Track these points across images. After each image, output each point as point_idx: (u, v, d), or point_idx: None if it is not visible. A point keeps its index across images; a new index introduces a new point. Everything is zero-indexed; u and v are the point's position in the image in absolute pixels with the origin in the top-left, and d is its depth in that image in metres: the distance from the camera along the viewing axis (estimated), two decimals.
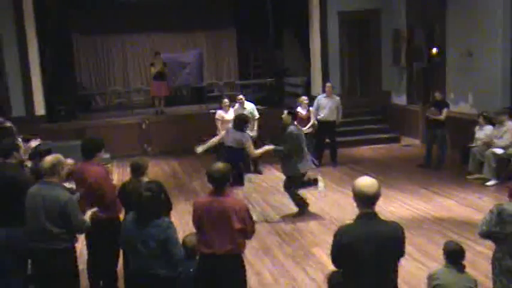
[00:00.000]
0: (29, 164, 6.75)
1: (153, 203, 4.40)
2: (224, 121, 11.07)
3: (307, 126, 11.23)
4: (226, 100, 11.43)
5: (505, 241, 4.42)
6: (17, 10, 13.24)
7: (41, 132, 11.00)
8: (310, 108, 11.54)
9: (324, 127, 11.62)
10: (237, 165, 7.87)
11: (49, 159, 4.88)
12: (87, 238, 5.61)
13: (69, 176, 5.57)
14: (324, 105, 11.60)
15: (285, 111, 8.34)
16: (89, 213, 5.12)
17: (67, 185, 5.49)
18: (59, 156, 4.97)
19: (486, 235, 4.54)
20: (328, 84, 12.06)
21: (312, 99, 12.18)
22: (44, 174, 4.89)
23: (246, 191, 8.81)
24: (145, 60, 18.19)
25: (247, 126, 8.32)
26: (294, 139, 8.09)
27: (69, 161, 6.35)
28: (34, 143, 7.32)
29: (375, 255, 3.62)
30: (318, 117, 11.55)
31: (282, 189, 8.66)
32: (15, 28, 13.31)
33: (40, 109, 13.77)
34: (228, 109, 11.29)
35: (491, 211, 4.49)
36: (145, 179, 5.49)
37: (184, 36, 19.31)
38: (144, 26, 18.25)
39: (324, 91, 12.17)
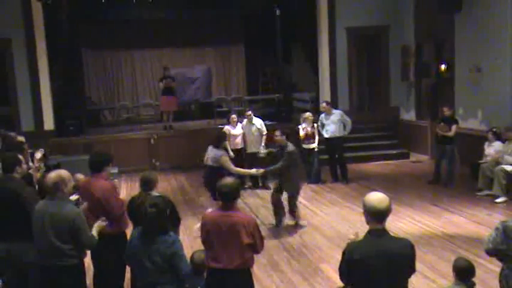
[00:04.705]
0: (38, 175, 6.74)
1: (158, 219, 4.39)
2: (231, 136, 11.09)
3: (315, 143, 11.28)
4: (234, 116, 11.44)
5: None
6: (27, 25, 13.41)
7: (50, 147, 11.07)
8: (315, 125, 11.53)
9: (332, 144, 11.59)
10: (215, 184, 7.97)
11: (52, 176, 4.80)
12: (94, 253, 5.56)
13: (76, 189, 5.56)
14: (327, 123, 11.58)
15: (277, 133, 8.38)
16: (96, 227, 5.08)
17: (72, 197, 5.48)
18: (63, 173, 4.88)
19: (492, 253, 4.49)
20: (322, 105, 11.98)
21: (318, 114, 12.15)
22: (48, 192, 4.85)
23: (254, 207, 8.79)
24: (154, 76, 18.30)
25: (224, 143, 8.35)
26: (292, 157, 8.17)
27: (80, 176, 6.34)
28: (39, 154, 7.30)
29: (386, 272, 3.58)
30: (326, 135, 11.53)
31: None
32: (25, 43, 13.48)
33: (49, 124, 13.85)
34: (236, 125, 11.30)
35: (496, 228, 4.43)
36: (154, 193, 5.48)
37: (193, 51, 19.44)
38: (153, 42, 18.42)
39: (333, 107, 12.11)
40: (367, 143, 14.23)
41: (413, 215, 8.98)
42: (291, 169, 8.21)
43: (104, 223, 5.18)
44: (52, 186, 4.75)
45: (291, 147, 8.26)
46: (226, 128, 11.24)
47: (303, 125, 11.45)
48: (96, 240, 4.95)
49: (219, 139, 8.41)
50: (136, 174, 9.98)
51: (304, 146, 11.41)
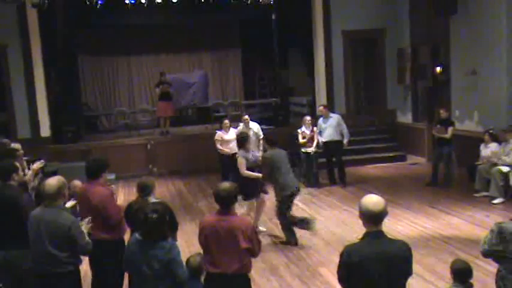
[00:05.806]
0: (32, 183, 6.71)
1: (159, 225, 4.38)
2: (223, 141, 11.07)
3: (313, 146, 11.31)
4: (227, 121, 11.40)
5: (509, 259, 4.37)
6: (23, 31, 13.39)
7: (47, 154, 11.02)
8: (315, 128, 11.54)
9: (329, 147, 11.62)
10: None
11: (53, 183, 4.79)
12: (92, 259, 5.56)
13: (71, 196, 5.55)
14: (324, 127, 11.61)
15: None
16: (84, 229, 5.05)
17: (69, 203, 5.47)
18: (62, 179, 4.90)
19: (488, 254, 4.51)
20: (319, 108, 12.14)
21: (317, 118, 12.18)
22: (46, 198, 4.83)
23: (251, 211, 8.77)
24: (151, 81, 18.28)
25: (246, 144, 8.39)
26: (265, 163, 8.12)
27: (77, 182, 6.33)
28: (38, 164, 7.28)
29: (384, 275, 3.58)
30: (323, 139, 11.55)
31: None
32: (21, 49, 13.46)
33: (46, 130, 13.83)
34: (228, 130, 11.27)
35: (491, 230, 4.45)
36: (152, 199, 5.47)
37: (189, 56, 19.42)
38: (149, 47, 18.42)
39: (330, 110, 12.15)
40: (365, 146, 14.23)
41: (411, 217, 8.98)
42: (270, 175, 8.10)
43: (90, 224, 5.12)
44: (54, 193, 4.75)
45: (267, 153, 8.21)
46: (219, 133, 11.21)
47: (302, 129, 11.48)
48: (91, 245, 4.94)
49: (240, 141, 8.50)
50: (133, 180, 9.97)
51: (302, 149, 11.45)
